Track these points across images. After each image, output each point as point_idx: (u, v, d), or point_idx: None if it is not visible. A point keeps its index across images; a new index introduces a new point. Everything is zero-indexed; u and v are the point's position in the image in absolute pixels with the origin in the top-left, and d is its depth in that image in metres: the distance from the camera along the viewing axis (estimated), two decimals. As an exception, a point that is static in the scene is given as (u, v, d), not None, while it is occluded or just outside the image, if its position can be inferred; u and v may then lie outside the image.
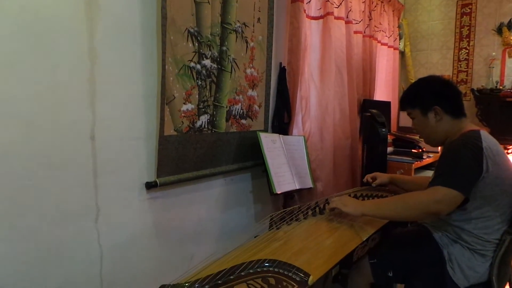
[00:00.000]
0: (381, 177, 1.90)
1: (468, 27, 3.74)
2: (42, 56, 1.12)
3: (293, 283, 0.97)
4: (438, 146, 1.55)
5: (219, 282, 0.97)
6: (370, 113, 2.44)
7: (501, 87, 3.49)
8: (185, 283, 0.96)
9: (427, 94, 1.52)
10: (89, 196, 1.28)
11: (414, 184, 1.78)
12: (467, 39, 3.75)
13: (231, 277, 0.99)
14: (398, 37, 3.77)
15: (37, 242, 1.15)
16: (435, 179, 1.35)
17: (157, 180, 1.46)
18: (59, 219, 1.20)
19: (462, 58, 3.79)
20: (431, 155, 2.94)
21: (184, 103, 1.53)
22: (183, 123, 1.53)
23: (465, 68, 3.78)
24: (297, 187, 1.93)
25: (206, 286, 0.95)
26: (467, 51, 3.76)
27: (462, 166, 1.31)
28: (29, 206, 1.12)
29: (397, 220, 1.63)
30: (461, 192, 1.28)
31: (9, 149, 1.06)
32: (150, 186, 1.45)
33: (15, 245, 1.10)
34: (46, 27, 1.12)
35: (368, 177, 1.94)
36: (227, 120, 1.77)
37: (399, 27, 3.82)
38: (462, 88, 3.75)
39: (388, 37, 3.53)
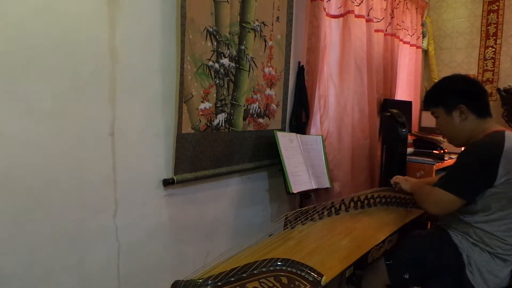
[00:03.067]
0: (406, 185, 1.77)
1: (495, 25, 3.62)
2: (64, 55, 1.15)
3: (305, 282, 0.97)
4: (461, 147, 1.52)
5: (232, 279, 0.98)
6: (390, 113, 2.40)
7: (529, 87, 3.36)
8: (198, 279, 0.98)
9: (452, 92, 1.49)
10: (108, 192, 1.31)
11: None
12: (494, 37, 3.62)
13: (244, 275, 0.99)
14: (421, 36, 3.68)
15: (56, 236, 1.18)
16: (439, 180, 1.43)
17: (174, 177, 1.48)
18: (78, 214, 1.23)
19: (488, 57, 3.66)
20: (453, 156, 2.86)
21: (202, 102, 1.55)
22: (200, 121, 1.55)
23: (491, 67, 3.66)
24: (314, 187, 1.92)
25: (219, 283, 0.96)
26: (494, 49, 3.63)
27: (468, 172, 1.35)
28: (50, 201, 1.16)
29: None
30: (460, 197, 1.34)
31: (32, 145, 1.10)
32: (167, 183, 1.47)
33: (35, 239, 1.13)
34: (68, 27, 1.15)
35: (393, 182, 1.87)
36: (244, 119, 1.78)
37: (422, 25, 3.73)
38: (487, 88, 3.63)
39: (411, 36, 3.45)
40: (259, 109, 1.86)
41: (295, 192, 1.79)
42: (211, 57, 1.56)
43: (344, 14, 2.37)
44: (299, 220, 1.47)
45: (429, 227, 2.01)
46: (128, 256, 1.39)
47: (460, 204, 1.36)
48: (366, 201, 1.76)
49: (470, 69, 3.75)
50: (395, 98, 3.15)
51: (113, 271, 1.36)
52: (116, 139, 1.31)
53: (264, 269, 1.02)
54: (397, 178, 1.82)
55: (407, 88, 3.54)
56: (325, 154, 2.09)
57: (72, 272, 1.23)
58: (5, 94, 1.04)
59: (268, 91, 1.90)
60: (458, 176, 1.38)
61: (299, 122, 2.11)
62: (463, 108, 1.45)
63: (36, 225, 1.13)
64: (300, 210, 1.51)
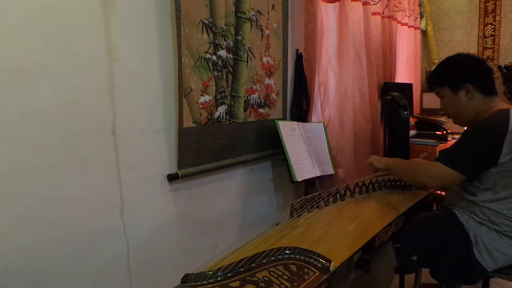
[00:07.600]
0: (380, 163, 1.70)
1: (493, 1, 3.57)
2: (61, 55, 1.14)
3: (314, 269, 0.98)
4: (467, 126, 1.51)
5: (241, 270, 0.98)
6: (391, 96, 2.39)
7: (530, 63, 3.33)
8: (208, 271, 0.99)
9: (458, 71, 1.48)
10: (113, 190, 1.32)
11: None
12: (493, 14, 3.58)
13: (253, 264, 1.00)
14: (419, 16, 3.64)
15: (67, 235, 1.19)
16: (441, 153, 1.43)
17: (178, 172, 1.48)
18: (87, 213, 1.24)
19: (488, 34, 3.63)
20: (456, 136, 2.85)
21: (202, 95, 1.54)
22: (201, 114, 1.55)
23: (491, 45, 3.62)
24: (318, 174, 1.92)
25: (229, 274, 0.97)
26: (493, 26, 3.59)
27: (473, 148, 1.34)
28: (56, 202, 1.16)
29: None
30: (460, 172, 1.34)
31: (37, 148, 1.10)
32: (171, 178, 1.47)
33: (43, 239, 1.14)
34: (64, 27, 1.15)
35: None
36: (245, 110, 1.77)
37: (420, 5, 3.69)
38: (488, 66, 3.61)
39: (409, 17, 3.41)
40: (259, 99, 1.85)
41: (299, 180, 1.79)
42: (208, 49, 1.55)
43: (340, -1, 2.34)
44: (305, 208, 1.47)
45: (434, 208, 2.01)
46: (137, 252, 1.41)
47: (460, 179, 1.36)
48: (371, 186, 1.76)
49: (470, 47, 3.72)
50: (395, 81, 3.14)
51: (124, 267, 1.37)
52: (118, 138, 1.31)
53: (272, 258, 1.02)
54: (371, 158, 1.72)
55: (407, 70, 3.51)
56: (328, 140, 2.09)
57: (83, 270, 1.25)
58: (5, 97, 1.04)
59: (267, 81, 1.89)
60: (461, 152, 1.37)
61: (300, 110, 2.10)
62: (469, 87, 1.44)
63: (43, 226, 1.14)
64: (305, 198, 1.51)
